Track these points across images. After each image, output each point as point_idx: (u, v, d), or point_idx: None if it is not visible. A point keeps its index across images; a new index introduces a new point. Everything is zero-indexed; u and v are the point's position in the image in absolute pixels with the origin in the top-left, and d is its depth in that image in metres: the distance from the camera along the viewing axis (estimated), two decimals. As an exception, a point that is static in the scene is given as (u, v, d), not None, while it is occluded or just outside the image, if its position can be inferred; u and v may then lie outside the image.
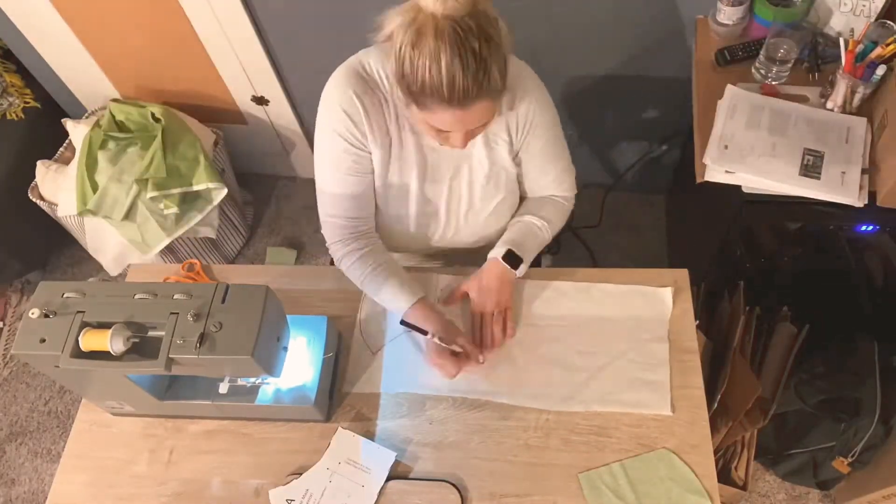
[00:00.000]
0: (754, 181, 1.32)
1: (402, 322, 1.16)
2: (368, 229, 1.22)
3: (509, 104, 1.12)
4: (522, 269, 1.22)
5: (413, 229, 1.28)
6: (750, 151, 1.34)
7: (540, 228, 1.25)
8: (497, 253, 1.21)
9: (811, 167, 1.31)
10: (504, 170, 1.21)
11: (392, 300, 1.17)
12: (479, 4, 0.90)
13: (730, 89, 1.43)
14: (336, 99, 1.08)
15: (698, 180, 1.36)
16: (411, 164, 1.16)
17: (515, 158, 1.21)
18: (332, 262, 1.25)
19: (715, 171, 1.34)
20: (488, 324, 1.21)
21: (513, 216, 1.30)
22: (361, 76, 1.08)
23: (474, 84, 0.91)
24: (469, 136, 1.05)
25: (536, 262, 1.55)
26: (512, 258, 1.20)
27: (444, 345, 1.13)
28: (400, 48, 0.91)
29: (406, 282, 1.18)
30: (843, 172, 1.30)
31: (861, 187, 1.29)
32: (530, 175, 1.25)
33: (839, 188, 1.29)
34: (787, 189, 1.30)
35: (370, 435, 1.15)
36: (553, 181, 1.27)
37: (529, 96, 1.12)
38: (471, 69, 0.90)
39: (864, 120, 1.36)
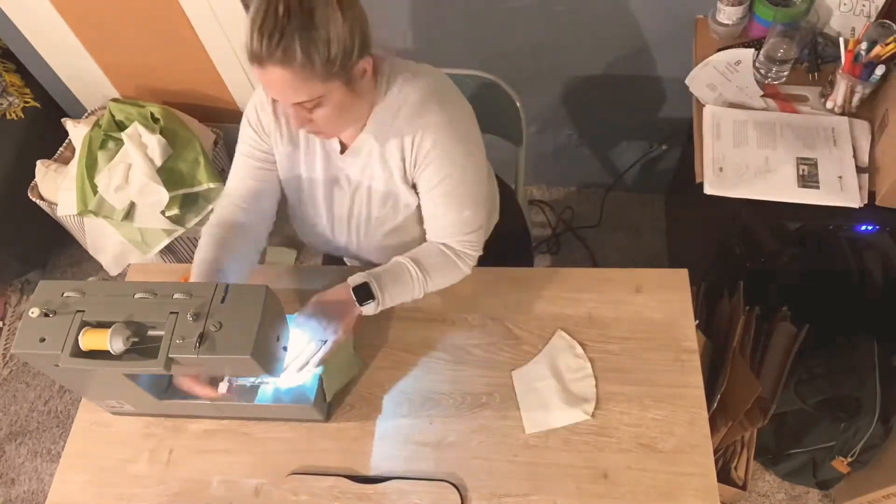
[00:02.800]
0: (757, 198, 1.32)
1: None
2: (245, 222, 1.21)
3: (404, 130, 1.09)
4: (370, 308, 1.13)
5: (326, 235, 1.29)
6: (745, 170, 1.34)
7: (413, 278, 1.15)
8: (352, 280, 1.13)
9: (808, 177, 1.31)
10: (402, 194, 1.16)
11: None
12: None
13: (708, 110, 1.42)
14: (255, 99, 1.17)
15: (697, 180, 1.36)
16: (318, 169, 1.18)
17: (412, 188, 1.16)
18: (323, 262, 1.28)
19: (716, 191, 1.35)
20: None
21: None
22: None
23: (267, 47, 0.91)
24: (299, 117, 1.02)
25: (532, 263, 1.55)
26: (362, 292, 1.12)
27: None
28: None
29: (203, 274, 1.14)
30: (840, 177, 1.30)
31: (860, 187, 1.29)
32: (424, 212, 1.18)
33: (839, 193, 1.29)
34: (790, 201, 1.31)
35: (370, 435, 1.15)
36: (446, 229, 1.17)
37: (427, 128, 1.08)
38: (267, 29, 0.90)
39: (845, 119, 1.37)
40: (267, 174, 1.22)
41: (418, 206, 1.19)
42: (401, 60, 1.11)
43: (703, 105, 1.44)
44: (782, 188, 1.32)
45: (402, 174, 1.14)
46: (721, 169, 1.35)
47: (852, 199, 1.28)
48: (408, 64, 1.12)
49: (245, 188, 1.22)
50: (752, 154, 1.35)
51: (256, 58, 0.93)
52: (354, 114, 1.08)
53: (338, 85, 0.98)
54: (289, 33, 0.90)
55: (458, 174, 1.12)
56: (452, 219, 1.16)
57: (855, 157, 1.33)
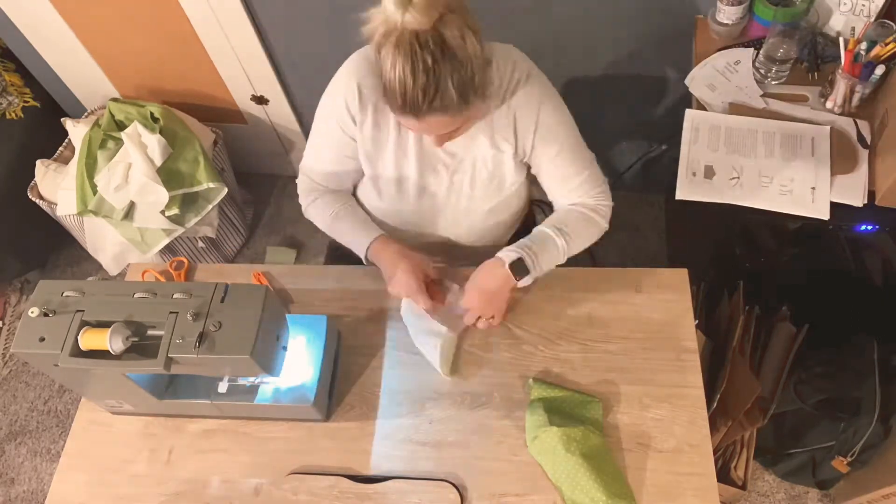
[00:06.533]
0: (728, 203, 1.33)
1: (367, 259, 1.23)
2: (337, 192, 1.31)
3: (513, 109, 1.12)
4: (527, 280, 1.17)
5: (412, 220, 1.29)
6: (717, 176, 1.34)
7: (558, 246, 1.18)
8: (506, 257, 1.15)
9: (782, 186, 1.31)
10: (509, 172, 1.20)
11: (352, 240, 1.25)
12: (445, 19, 0.89)
13: (689, 114, 1.43)
14: (341, 85, 1.15)
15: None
16: (410, 154, 1.18)
17: (522, 163, 1.21)
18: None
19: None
20: (471, 320, 1.20)
21: (524, 220, 1.31)
22: (371, 64, 1.12)
23: (424, 99, 0.93)
24: (444, 138, 1.08)
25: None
26: (519, 267, 1.15)
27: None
28: (375, 47, 0.93)
29: (363, 222, 1.26)
30: (813, 188, 1.31)
31: (860, 187, 1.29)
32: (548, 183, 1.23)
33: (811, 205, 1.30)
34: (757, 206, 1.33)
35: (369, 434, 1.15)
36: (580, 188, 1.21)
37: (538, 101, 1.12)
38: (419, 83, 0.91)
39: (826, 128, 1.37)
40: (349, 163, 1.24)
41: (522, 183, 1.24)
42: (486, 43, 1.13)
43: (704, 105, 1.44)
44: (754, 195, 1.32)
45: (513, 149, 1.17)
46: (694, 174, 1.35)
47: (822, 211, 1.29)
48: (491, 45, 1.12)
49: (328, 176, 1.27)
50: (724, 161, 1.36)
51: (414, 111, 0.95)
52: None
53: (478, 102, 1.00)
54: (443, 82, 0.92)
55: (573, 136, 1.18)
56: (583, 178, 1.21)
57: (832, 168, 1.32)
